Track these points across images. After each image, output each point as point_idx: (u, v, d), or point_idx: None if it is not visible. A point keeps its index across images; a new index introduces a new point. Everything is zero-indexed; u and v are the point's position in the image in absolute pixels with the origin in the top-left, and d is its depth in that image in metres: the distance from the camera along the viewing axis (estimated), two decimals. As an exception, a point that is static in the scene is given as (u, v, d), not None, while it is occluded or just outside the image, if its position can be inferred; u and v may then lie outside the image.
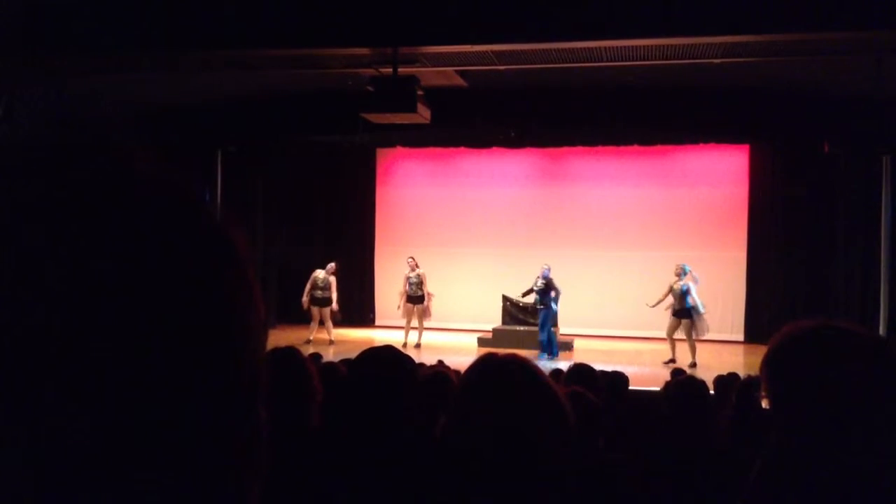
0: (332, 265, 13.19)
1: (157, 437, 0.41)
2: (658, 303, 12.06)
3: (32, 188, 0.42)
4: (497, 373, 1.43)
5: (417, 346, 12.61)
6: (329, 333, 13.00)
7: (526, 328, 13.14)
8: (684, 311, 11.50)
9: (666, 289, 11.95)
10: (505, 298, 13.62)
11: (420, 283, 12.88)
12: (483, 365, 1.48)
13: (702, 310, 11.50)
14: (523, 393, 1.38)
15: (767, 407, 1.27)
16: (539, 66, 9.12)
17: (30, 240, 0.40)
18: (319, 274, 13.07)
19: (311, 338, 12.76)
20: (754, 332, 13.85)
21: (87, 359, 0.39)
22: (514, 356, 1.48)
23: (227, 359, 0.44)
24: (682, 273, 11.77)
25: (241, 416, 0.46)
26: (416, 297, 12.84)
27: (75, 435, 0.39)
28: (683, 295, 11.53)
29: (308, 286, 13.05)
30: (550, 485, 1.34)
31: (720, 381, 6.19)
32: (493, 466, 1.33)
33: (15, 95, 9.61)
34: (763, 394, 1.28)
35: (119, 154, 0.45)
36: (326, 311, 12.99)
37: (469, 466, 1.36)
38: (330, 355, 9.45)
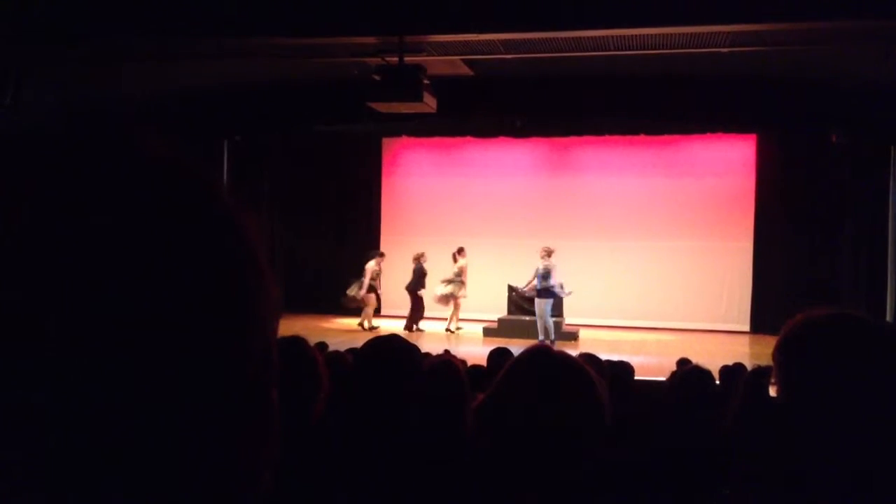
0: (380, 253, 13.79)
1: (169, 423, 0.41)
2: (528, 284, 12.65)
3: (44, 177, 0.42)
4: (548, 367, 1.42)
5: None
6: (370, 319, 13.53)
7: (532, 318, 13.13)
8: (545, 291, 12.15)
9: (533, 271, 12.46)
10: (510, 288, 13.64)
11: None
12: (535, 358, 1.47)
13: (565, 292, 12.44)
14: (569, 391, 1.37)
15: (776, 394, 1.26)
16: (545, 55, 9.08)
17: (41, 228, 0.40)
18: (374, 265, 13.55)
19: (371, 324, 13.32)
20: (760, 322, 13.84)
21: (97, 346, 0.39)
22: (566, 354, 1.48)
23: (239, 343, 0.44)
24: (548, 255, 12.34)
25: (253, 401, 0.46)
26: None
27: (85, 423, 0.39)
28: (547, 275, 12.20)
29: (368, 278, 13.42)
30: (571, 481, 1.34)
31: (726, 371, 6.18)
32: (523, 456, 1.33)
33: (22, 85, 9.61)
34: (773, 380, 1.27)
35: (130, 140, 0.45)
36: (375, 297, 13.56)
37: (497, 452, 1.35)
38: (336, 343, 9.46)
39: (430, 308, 13.55)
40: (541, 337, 12.00)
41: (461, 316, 13.62)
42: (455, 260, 13.50)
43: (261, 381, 0.46)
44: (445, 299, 13.31)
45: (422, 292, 13.34)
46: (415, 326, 13.19)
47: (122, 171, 0.43)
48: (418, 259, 13.50)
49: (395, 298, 14.18)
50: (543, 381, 1.39)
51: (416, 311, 13.32)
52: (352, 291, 13.43)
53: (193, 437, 0.42)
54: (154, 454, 0.41)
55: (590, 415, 1.36)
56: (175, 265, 0.41)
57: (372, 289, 13.40)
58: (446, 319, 13.50)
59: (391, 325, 13.28)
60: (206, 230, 0.44)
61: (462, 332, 13.33)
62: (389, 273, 15.70)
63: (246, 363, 0.45)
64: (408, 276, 13.69)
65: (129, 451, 0.40)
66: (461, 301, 13.43)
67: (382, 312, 15.71)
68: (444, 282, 13.36)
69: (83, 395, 0.39)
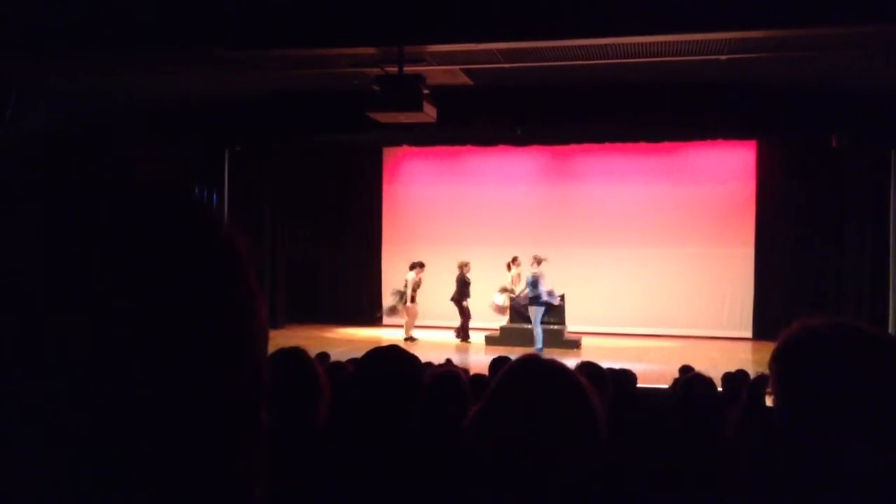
0: (419, 264, 13.62)
1: (158, 440, 0.41)
2: (522, 292, 12.69)
3: (32, 193, 0.42)
4: (539, 376, 1.42)
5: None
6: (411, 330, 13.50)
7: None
8: (535, 299, 12.20)
9: (525, 279, 12.54)
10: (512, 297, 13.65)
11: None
12: (527, 365, 1.47)
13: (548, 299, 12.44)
14: (560, 400, 1.37)
15: (772, 404, 1.26)
16: (545, 63, 9.10)
17: (28, 244, 0.40)
18: (415, 276, 13.47)
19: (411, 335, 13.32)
20: (763, 328, 13.81)
21: (86, 363, 0.39)
22: (557, 363, 1.48)
23: (228, 362, 0.44)
24: (537, 263, 12.37)
25: (242, 419, 0.46)
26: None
27: (78, 438, 0.39)
28: (535, 283, 12.25)
29: (411, 289, 13.37)
30: (566, 491, 1.34)
31: (728, 378, 6.17)
32: (516, 467, 1.33)
33: (23, 95, 9.64)
34: (769, 390, 1.27)
35: (119, 158, 0.45)
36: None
37: (491, 464, 1.35)
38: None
39: (485, 317, 13.52)
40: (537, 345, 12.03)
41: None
42: (509, 269, 13.53)
43: (251, 399, 0.46)
44: (502, 309, 13.35)
45: (466, 302, 13.32)
46: (464, 335, 13.24)
47: (110, 191, 0.43)
48: (461, 268, 13.50)
49: (436, 308, 14.11)
50: (534, 390, 1.39)
51: (465, 320, 13.33)
52: (392, 302, 13.47)
53: (183, 454, 0.42)
54: (142, 470, 0.41)
55: (582, 422, 1.36)
56: (165, 288, 0.42)
57: (413, 300, 13.39)
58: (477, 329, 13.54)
59: (434, 336, 13.34)
60: (194, 249, 0.44)
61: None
62: (390, 281, 15.73)
63: (235, 381, 0.45)
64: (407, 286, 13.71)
65: (117, 465, 0.40)
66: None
67: (384, 322, 15.72)
68: (501, 290, 13.39)
69: (76, 410, 0.39)
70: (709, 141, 14.21)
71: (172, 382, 0.41)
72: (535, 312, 12.23)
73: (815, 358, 1.19)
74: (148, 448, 0.41)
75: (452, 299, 13.46)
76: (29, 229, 0.41)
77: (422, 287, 13.53)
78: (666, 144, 14.45)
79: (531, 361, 1.48)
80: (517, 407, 1.37)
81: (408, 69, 8.59)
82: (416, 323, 13.59)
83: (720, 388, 5.23)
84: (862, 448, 1.11)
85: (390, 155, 16.02)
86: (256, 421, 0.47)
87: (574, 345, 12.67)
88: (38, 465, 0.39)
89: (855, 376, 1.14)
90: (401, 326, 13.66)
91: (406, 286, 13.37)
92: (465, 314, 13.35)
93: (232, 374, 0.45)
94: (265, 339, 0.48)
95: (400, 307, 13.42)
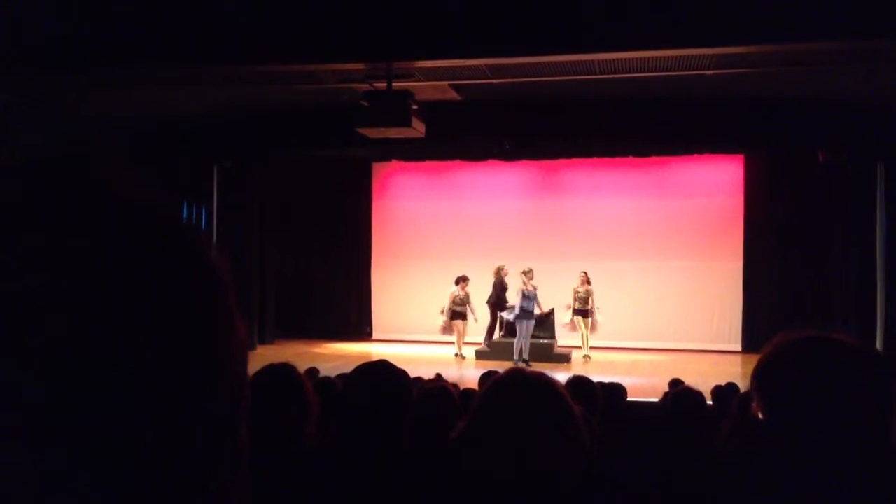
0: (462, 278, 13.43)
1: (133, 460, 0.41)
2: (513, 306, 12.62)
3: (4, 213, 0.42)
4: (522, 389, 1.43)
5: (587, 357, 12.96)
6: (460, 347, 13.31)
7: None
8: (529, 313, 12.19)
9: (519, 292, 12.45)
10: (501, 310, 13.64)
11: (587, 298, 13.37)
12: (510, 379, 1.48)
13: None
14: (543, 412, 1.38)
15: (760, 417, 1.27)
16: (533, 79, 9.15)
17: (5, 257, 0.40)
18: (457, 291, 13.31)
19: (460, 352, 13.17)
20: (752, 342, 13.84)
21: (59, 384, 0.39)
22: (542, 375, 1.49)
23: (206, 382, 0.44)
24: (525, 275, 12.42)
25: (220, 439, 0.45)
26: (584, 311, 13.33)
27: (47, 462, 0.39)
28: (525, 296, 12.26)
29: (449, 303, 13.25)
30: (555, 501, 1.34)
31: (718, 391, 6.18)
32: (505, 480, 1.33)
33: (10, 112, 9.61)
34: (755, 404, 1.28)
35: (97, 176, 0.45)
36: (463, 324, 13.32)
37: (479, 478, 1.36)
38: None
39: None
40: (515, 357, 12.01)
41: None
42: (584, 283, 13.47)
43: (229, 419, 0.46)
44: (572, 325, 13.37)
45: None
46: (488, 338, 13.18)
47: (91, 213, 0.43)
48: (498, 272, 13.45)
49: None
50: (517, 401, 1.40)
51: (493, 326, 13.28)
52: (442, 319, 13.43)
53: (157, 471, 0.42)
54: (117, 490, 0.40)
55: (565, 431, 1.37)
56: (140, 302, 0.42)
57: (459, 315, 13.26)
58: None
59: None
60: (172, 269, 0.44)
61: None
62: (380, 296, 15.71)
63: (212, 401, 0.45)
64: (399, 300, 13.70)
65: (90, 489, 0.40)
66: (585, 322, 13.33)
67: (374, 336, 15.68)
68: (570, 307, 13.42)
69: (48, 432, 0.39)
70: (696, 155, 14.30)
71: (146, 400, 0.41)
72: (529, 326, 12.21)
73: (794, 371, 1.20)
74: (119, 466, 0.41)
75: (488, 302, 13.38)
76: (6, 242, 0.41)
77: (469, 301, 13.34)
78: (654, 159, 14.53)
79: (515, 373, 1.50)
80: (501, 418, 1.38)
81: (396, 85, 8.62)
82: (425, 338, 13.48)
83: (710, 402, 5.24)
84: (844, 458, 1.12)
85: (379, 170, 16.04)
86: (235, 438, 0.47)
87: (564, 359, 12.67)
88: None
89: (833, 387, 1.16)
90: (394, 341, 13.61)
91: (448, 302, 13.29)
92: (494, 319, 13.29)
93: (208, 392, 0.44)
94: (244, 357, 0.48)
95: (444, 323, 13.37)
